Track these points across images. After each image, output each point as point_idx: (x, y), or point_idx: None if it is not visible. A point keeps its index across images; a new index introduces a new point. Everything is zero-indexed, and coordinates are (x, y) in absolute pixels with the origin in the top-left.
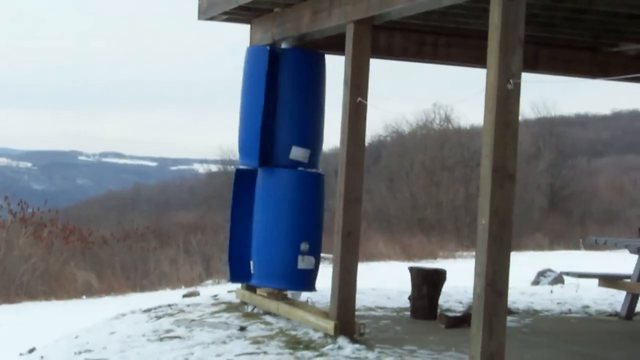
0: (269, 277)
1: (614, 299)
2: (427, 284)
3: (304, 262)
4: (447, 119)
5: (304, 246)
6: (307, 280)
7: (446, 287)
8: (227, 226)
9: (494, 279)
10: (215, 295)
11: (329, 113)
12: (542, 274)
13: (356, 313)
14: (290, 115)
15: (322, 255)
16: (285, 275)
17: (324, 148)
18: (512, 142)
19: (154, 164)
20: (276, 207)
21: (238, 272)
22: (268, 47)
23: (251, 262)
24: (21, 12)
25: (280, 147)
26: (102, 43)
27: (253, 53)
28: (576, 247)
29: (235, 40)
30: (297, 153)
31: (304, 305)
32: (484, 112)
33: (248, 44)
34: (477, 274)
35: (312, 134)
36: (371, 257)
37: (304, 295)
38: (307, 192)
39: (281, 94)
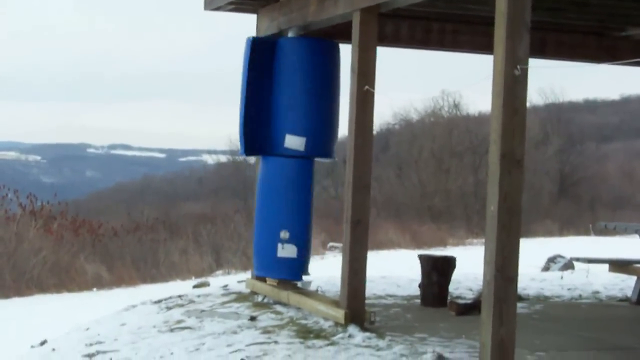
0: (259, 267)
1: (625, 284)
2: (437, 272)
3: (284, 251)
4: (456, 106)
5: (283, 234)
6: (291, 269)
7: (456, 275)
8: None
9: (503, 266)
10: (226, 286)
11: None
12: (552, 260)
13: (366, 301)
14: (287, 104)
15: (332, 244)
16: (269, 263)
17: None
18: (520, 128)
19: (162, 155)
20: (262, 196)
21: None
22: (252, 38)
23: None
24: (30, 6)
25: (274, 136)
26: (109, 35)
27: (246, 44)
28: (586, 232)
29: (243, 29)
30: (291, 141)
31: (314, 295)
32: (491, 98)
33: (255, 34)
34: (486, 261)
35: (311, 123)
36: (381, 246)
37: (314, 285)
38: (289, 180)
39: (277, 83)
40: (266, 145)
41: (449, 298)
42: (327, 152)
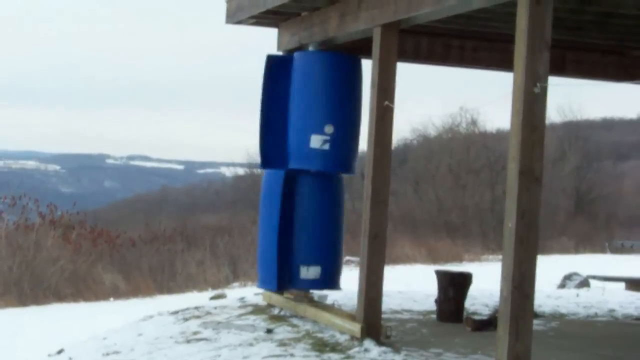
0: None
1: None
2: (453, 287)
3: (308, 273)
4: (473, 122)
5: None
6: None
7: (472, 290)
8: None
9: (520, 282)
10: (242, 298)
11: None
12: (568, 277)
13: (382, 316)
14: (302, 117)
15: (349, 258)
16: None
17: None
18: (539, 146)
19: (180, 167)
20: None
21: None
22: (267, 55)
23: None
24: (51, 15)
25: (289, 150)
26: (128, 45)
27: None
28: (602, 250)
29: (263, 42)
30: (315, 141)
31: (330, 308)
32: (510, 115)
33: (276, 48)
34: (503, 277)
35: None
36: (397, 260)
37: (331, 298)
38: (304, 195)
39: (292, 96)
40: (282, 159)
41: (465, 314)
42: (346, 167)
